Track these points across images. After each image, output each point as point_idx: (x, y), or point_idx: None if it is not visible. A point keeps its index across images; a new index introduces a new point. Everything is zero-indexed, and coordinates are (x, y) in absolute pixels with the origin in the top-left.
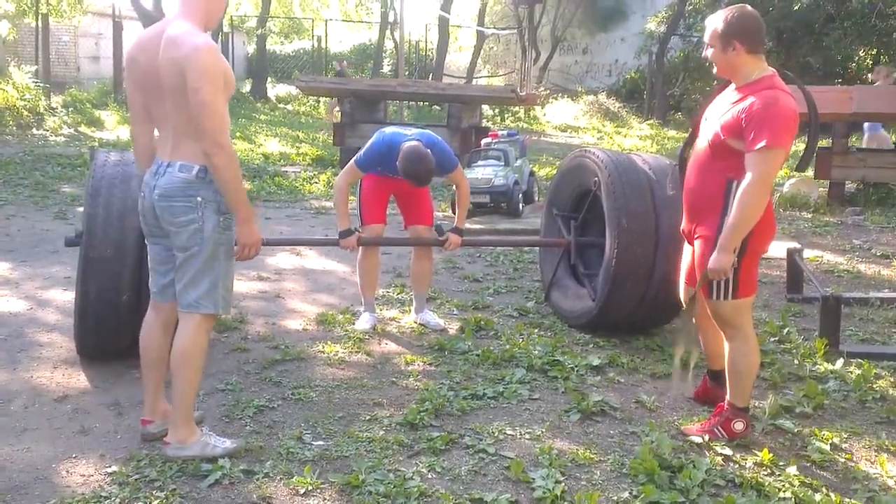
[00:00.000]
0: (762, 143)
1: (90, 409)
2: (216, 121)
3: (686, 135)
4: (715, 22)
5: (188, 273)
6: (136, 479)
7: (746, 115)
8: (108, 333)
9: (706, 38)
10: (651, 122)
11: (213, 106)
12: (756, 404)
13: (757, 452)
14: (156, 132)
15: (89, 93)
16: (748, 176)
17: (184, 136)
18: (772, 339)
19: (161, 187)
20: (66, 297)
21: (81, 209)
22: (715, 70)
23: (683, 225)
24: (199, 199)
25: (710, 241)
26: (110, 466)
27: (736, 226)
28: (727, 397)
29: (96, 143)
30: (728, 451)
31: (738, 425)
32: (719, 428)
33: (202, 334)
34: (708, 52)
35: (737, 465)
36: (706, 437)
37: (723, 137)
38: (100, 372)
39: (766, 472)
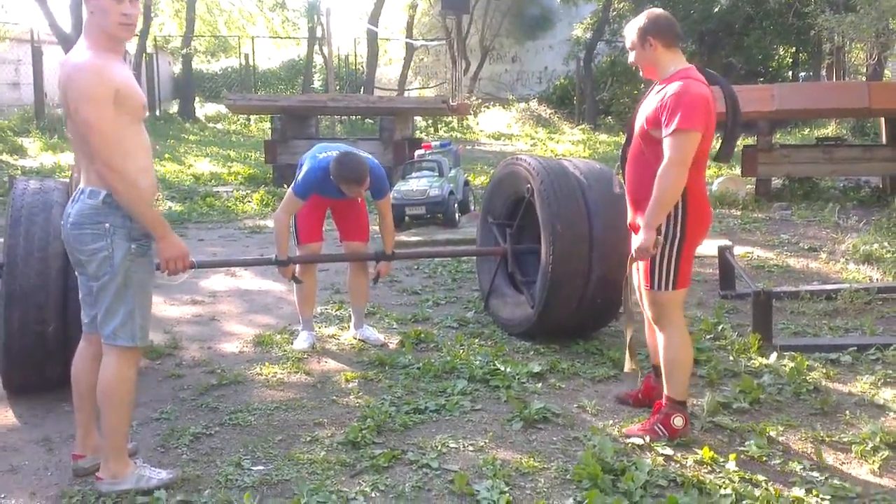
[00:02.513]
0: (674, 127)
1: (19, 445)
2: (103, 142)
3: (620, 137)
4: (631, 27)
5: (103, 304)
6: None
7: (661, 103)
8: (34, 366)
9: (627, 45)
10: (582, 126)
11: (97, 126)
12: (694, 402)
13: (697, 450)
14: None
15: (10, 120)
16: (665, 158)
17: (85, 161)
18: (707, 337)
19: (72, 215)
20: None
21: (1, 240)
22: (641, 73)
23: (629, 218)
24: (106, 225)
25: None
26: None
27: (656, 205)
28: (664, 391)
29: (18, 171)
30: (669, 451)
31: (678, 420)
32: (659, 426)
33: (126, 366)
34: (631, 56)
35: (678, 465)
36: (647, 438)
37: (646, 128)
38: (28, 407)
39: (706, 470)
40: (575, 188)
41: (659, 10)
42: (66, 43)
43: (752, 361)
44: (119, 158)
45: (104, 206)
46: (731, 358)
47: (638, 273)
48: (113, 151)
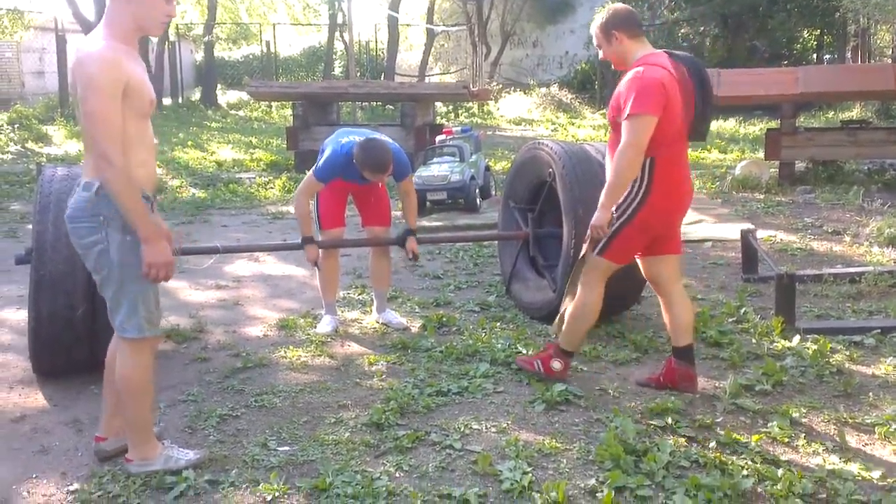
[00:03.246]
0: (627, 111)
1: (49, 427)
2: (104, 132)
3: None
4: (595, 25)
5: (108, 296)
6: (98, 496)
7: (618, 91)
8: (63, 350)
9: (595, 43)
10: (603, 111)
11: (101, 115)
12: (716, 384)
13: (720, 432)
14: None
15: (35, 108)
16: (622, 141)
17: (87, 152)
18: (729, 320)
19: (69, 208)
20: (20, 316)
21: (31, 226)
22: (613, 66)
23: None
24: (101, 217)
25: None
26: (72, 484)
27: (610, 186)
28: (558, 339)
29: (44, 159)
30: (691, 433)
31: (556, 364)
32: (539, 362)
33: (139, 355)
34: (601, 53)
35: (700, 446)
36: (519, 366)
37: (613, 116)
38: (58, 389)
39: (729, 451)
40: (597, 172)
41: (618, 4)
42: (90, 31)
43: (775, 344)
44: (117, 150)
45: (97, 198)
46: (753, 341)
47: None
48: (112, 142)
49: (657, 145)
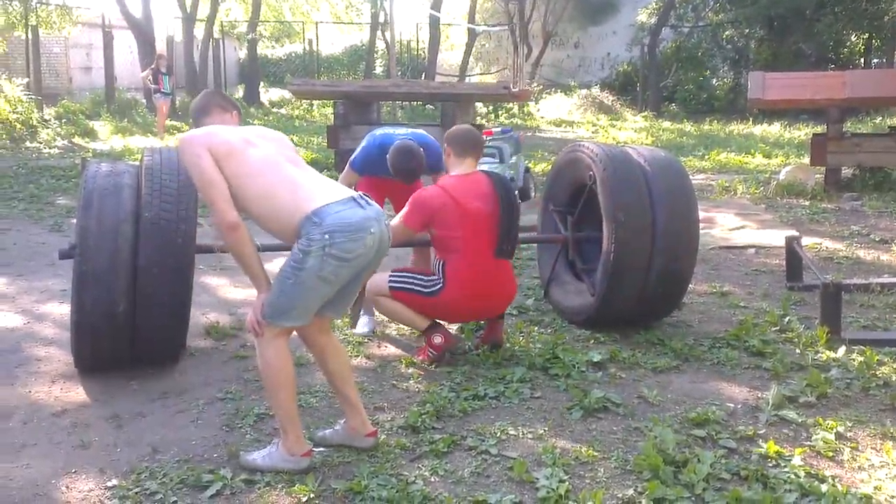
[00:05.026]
0: (399, 217)
1: (89, 422)
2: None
3: (684, 124)
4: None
5: None
6: (136, 493)
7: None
8: (104, 345)
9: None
10: (645, 114)
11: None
12: (759, 395)
13: (762, 444)
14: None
15: (82, 104)
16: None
17: None
18: (773, 329)
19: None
20: (63, 310)
21: (76, 221)
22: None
23: None
24: None
25: None
26: (111, 480)
27: None
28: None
29: (90, 154)
30: (733, 444)
31: (437, 339)
32: (428, 350)
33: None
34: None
35: (741, 458)
36: (419, 359)
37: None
38: (98, 385)
39: (771, 464)
40: (639, 176)
41: (463, 126)
42: (137, 28)
43: (820, 355)
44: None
45: None
46: (797, 351)
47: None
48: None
49: (451, 249)
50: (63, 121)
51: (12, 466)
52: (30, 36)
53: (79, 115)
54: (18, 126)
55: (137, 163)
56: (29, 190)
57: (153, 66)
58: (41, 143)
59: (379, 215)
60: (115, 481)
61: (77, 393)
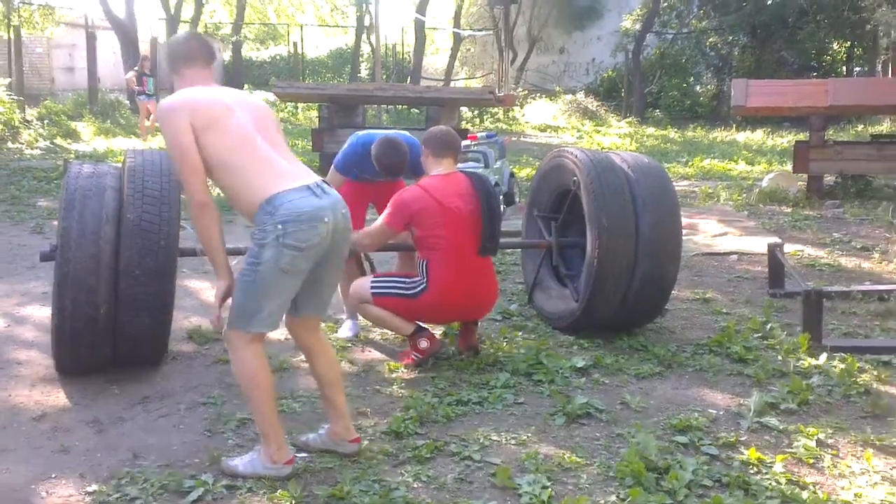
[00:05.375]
0: (381, 219)
1: (70, 426)
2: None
3: (668, 131)
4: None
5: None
6: (117, 498)
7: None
8: (85, 348)
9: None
10: (629, 119)
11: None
12: (741, 402)
13: (743, 451)
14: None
15: (64, 104)
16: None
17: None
18: (755, 336)
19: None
20: (44, 312)
21: (57, 222)
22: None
23: None
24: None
25: None
26: (91, 485)
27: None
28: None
29: (73, 155)
30: (715, 451)
31: (423, 343)
32: (413, 353)
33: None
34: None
35: (723, 465)
36: (403, 363)
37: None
38: (79, 388)
39: (753, 471)
40: (622, 182)
41: (440, 127)
42: (120, 29)
43: (802, 362)
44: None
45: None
46: (779, 358)
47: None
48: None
49: (427, 251)
50: (45, 122)
51: None
52: (12, 36)
53: (61, 115)
54: (1, 127)
55: (120, 164)
56: (10, 191)
57: (137, 68)
58: (23, 143)
59: (335, 204)
60: (95, 486)
61: (57, 397)
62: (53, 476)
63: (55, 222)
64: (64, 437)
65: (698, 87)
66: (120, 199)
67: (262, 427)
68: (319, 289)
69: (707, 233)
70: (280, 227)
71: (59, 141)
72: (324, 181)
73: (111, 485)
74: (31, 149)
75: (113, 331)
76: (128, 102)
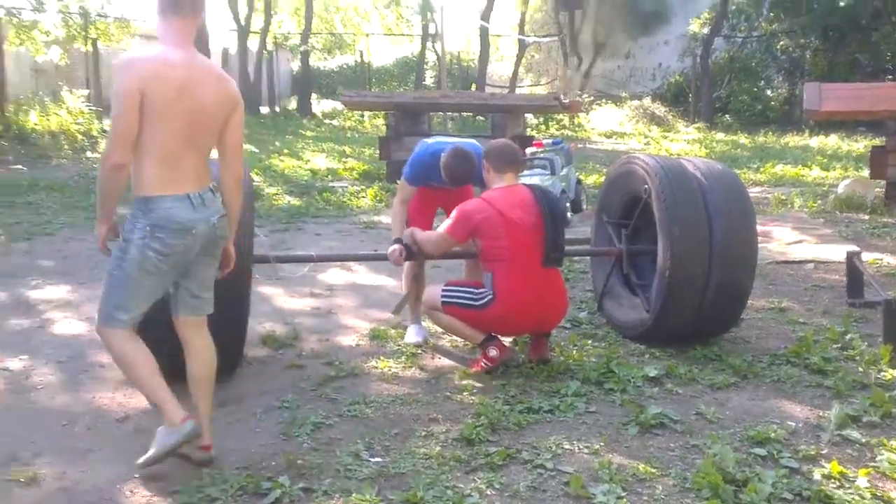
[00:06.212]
0: (443, 228)
1: (152, 428)
2: (114, 133)
3: (738, 136)
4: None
5: (211, 282)
6: (199, 499)
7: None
8: (164, 354)
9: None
10: (698, 125)
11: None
12: (821, 414)
13: (825, 465)
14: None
15: None
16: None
17: (203, 161)
18: (834, 346)
19: (219, 213)
20: None
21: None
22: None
23: None
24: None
25: None
26: (173, 486)
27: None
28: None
29: None
30: (794, 464)
31: (493, 352)
32: (482, 361)
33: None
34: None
35: (804, 478)
36: (473, 370)
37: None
38: None
39: (834, 485)
40: (695, 190)
41: (499, 140)
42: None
43: (883, 373)
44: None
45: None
46: (860, 369)
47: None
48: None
49: (491, 262)
50: None
51: (78, 471)
52: (90, 49)
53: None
54: (79, 137)
55: None
56: (90, 200)
57: None
58: (101, 153)
59: (209, 217)
60: (177, 487)
61: (139, 400)
62: (137, 476)
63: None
64: (146, 438)
65: (769, 91)
66: None
67: (152, 400)
68: (194, 290)
69: (781, 240)
70: (149, 229)
71: None
72: (211, 189)
73: (192, 486)
74: None
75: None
76: None
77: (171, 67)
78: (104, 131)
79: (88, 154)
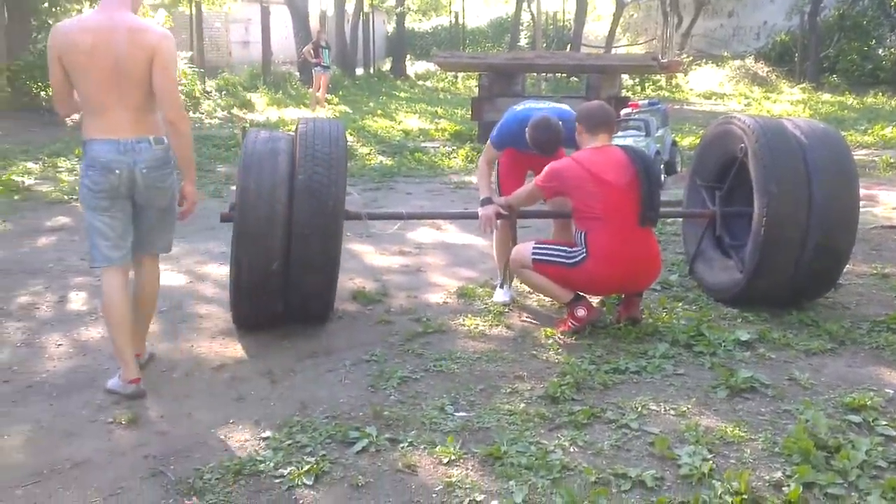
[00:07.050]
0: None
1: (246, 377)
2: (178, 96)
3: (846, 97)
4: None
5: (167, 225)
6: (288, 445)
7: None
8: (260, 301)
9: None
10: (803, 86)
11: (175, 84)
12: None
13: None
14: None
15: (240, 76)
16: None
17: (146, 113)
18: None
19: (147, 161)
20: (223, 271)
21: (234, 187)
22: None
23: None
24: (172, 163)
25: None
26: (265, 432)
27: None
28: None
29: (247, 124)
30: (891, 432)
31: (580, 311)
32: (569, 321)
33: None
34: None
35: None
36: (560, 330)
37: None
38: (254, 341)
39: None
40: (795, 148)
41: (593, 102)
42: (292, 4)
43: None
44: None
45: (167, 151)
46: None
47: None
48: (181, 104)
49: (585, 221)
50: (223, 93)
51: (175, 415)
52: (193, 11)
53: (237, 87)
54: (183, 98)
55: (292, 132)
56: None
57: (314, 41)
58: (203, 113)
59: (135, 162)
60: (268, 433)
61: (235, 349)
62: (231, 422)
63: (233, 187)
64: (241, 386)
65: (881, 51)
66: (292, 163)
67: (115, 351)
68: (141, 233)
69: (888, 205)
70: (84, 168)
71: (235, 111)
72: (152, 139)
73: (283, 432)
74: (211, 118)
75: (284, 287)
76: (298, 74)
77: (82, 32)
78: (206, 92)
79: (191, 114)
